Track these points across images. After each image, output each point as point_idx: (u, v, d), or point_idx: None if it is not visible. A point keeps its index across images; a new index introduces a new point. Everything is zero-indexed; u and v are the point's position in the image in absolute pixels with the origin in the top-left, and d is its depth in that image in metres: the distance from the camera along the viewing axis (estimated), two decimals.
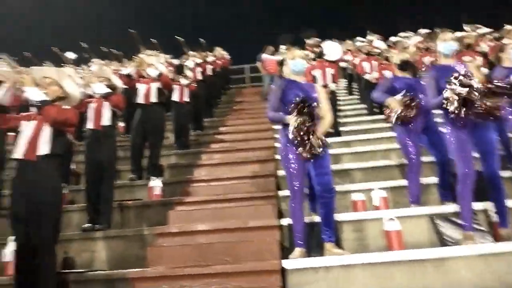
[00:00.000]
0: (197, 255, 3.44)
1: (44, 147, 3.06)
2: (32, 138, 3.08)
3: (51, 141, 3.08)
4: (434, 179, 4.08)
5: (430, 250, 3.17)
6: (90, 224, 4.07)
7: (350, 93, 9.76)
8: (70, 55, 7.95)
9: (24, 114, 3.24)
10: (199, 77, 8.25)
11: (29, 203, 2.99)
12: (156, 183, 4.76)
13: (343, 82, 10.20)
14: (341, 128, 6.66)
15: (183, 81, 6.85)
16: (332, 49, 7.01)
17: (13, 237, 3.30)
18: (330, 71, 6.47)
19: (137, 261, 3.69)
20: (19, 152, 3.09)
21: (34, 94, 3.06)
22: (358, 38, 9.54)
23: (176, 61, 8.66)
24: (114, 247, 3.91)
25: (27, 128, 3.12)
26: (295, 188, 3.32)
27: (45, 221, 2.97)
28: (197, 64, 8.41)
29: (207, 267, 3.15)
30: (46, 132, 3.09)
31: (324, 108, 3.46)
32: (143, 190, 4.99)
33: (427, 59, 6.64)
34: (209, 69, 9.03)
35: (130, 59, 8.35)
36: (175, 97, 6.69)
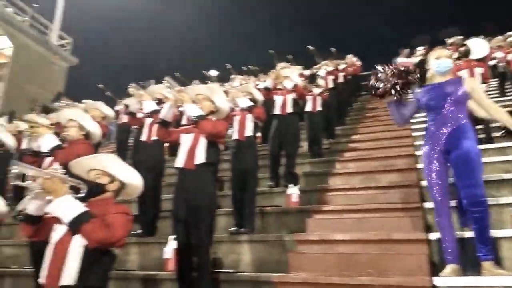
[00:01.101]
0: (339, 264, 3.42)
1: (200, 157, 3.41)
2: (190, 149, 3.45)
3: (206, 151, 3.43)
4: None
5: None
6: (236, 228, 4.36)
7: (503, 94, 8.67)
8: (213, 73, 8.72)
9: (183, 127, 3.67)
10: (331, 85, 8.25)
11: (189, 207, 3.34)
12: (293, 191, 4.89)
13: (493, 82, 9.12)
14: (494, 134, 5.95)
15: (316, 90, 6.96)
16: (479, 46, 6.34)
17: (173, 236, 3.73)
18: (478, 70, 5.85)
19: (278, 265, 3.82)
20: (180, 161, 3.49)
21: (192, 109, 3.44)
22: (510, 33, 8.46)
23: (307, 72, 8.86)
24: (257, 251, 4.10)
25: (186, 140, 3.52)
26: (438, 200, 3.09)
27: (202, 223, 3.30)
28: (329, 72, 8.43)
29: (352, 278, 3.11)
30: (202, 143, 3.44)
31: (486, 104, 3.16)
32: (280, 197, 5.15)
33: None
34: (340, 76, 8.98)
35: (266, 73, 8.82)
36: (308, 106, 6.84)
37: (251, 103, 4.75)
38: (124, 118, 8.63)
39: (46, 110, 7.37)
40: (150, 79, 6.90)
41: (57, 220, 2.27)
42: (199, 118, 3.41)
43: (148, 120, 4.93)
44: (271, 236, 4.17)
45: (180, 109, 4.67)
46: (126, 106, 6.79)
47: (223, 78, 9.00)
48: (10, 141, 4.69)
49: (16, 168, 2.16)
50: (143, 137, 4.98)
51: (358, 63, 10.94)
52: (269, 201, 5.25)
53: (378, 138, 7.09)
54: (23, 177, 2.30)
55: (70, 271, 2.17)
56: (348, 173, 5.56)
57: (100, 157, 2.52)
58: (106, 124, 6.21)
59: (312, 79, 7.11)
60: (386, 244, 3.50)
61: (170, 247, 3.78)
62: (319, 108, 6.87)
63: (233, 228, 4.38)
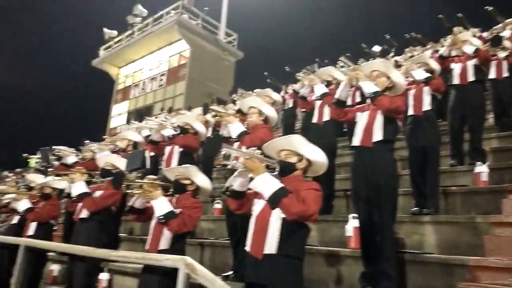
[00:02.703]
0: None
1: (378, 134, 3.34)
2: (367, 127, 3.41)
3: (383, 128, 3.34)
4: None
5: None
6: (417, 208, 4.16)
7: None
8: (376, 48, 8.39)
9: (358, 106, 3.65)
10: None
11: (368, 185, 3.32)
12: (482, 169, 4.39)
13: None
14: None
15: (501, 54, 6.08)
16: None
17: (353, 215, 3.77)
18: None
19: (468, 248, 3.51)
20: (356, 139, 3.49)
21: (368, 86, 3.39)
22: None
23: (485, 34, 7.79)
24: (443, 232, 3.83)
25: (362, 118, 3.49)
26: None
27: (383, 202, 3.24)
28: None
29: None
30: (379, 120, 3.36)
31: None
32: (465, 176, 4.72)
33: None
34: None
35: (436, 41, 8.09)
36: (493, 73, 6.04)
37: (428, 75, 4.41)
38: (290, 103, 9.05)
39: (221, 102, 8.23)
40: (314, 63, 7.02)
41: (258, 195, 2.54)
42: (376, 94, 3.34)
43: (318, 103, 5.04)
44: (460, 218, 3.84)
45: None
46: (295, 92, 7.07)
47: (387, 52, 8.56)
48: (202, 129, 5.42)
49: (225, 150, 2.49)
50: (314, 119, 5.11)
51: None
52: (452, 180, 4.85)
53: None
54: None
55: (272, 241, 2.41)
56: None
57: (290, 138, 2.69)
58: (277, 109, 6.59)
59: (495, 41, 6.20)
60: None
61: (351, 225, 3.82)
62: (505, 74, 6.01)
63: (415, 209, 4.19)
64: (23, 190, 5.68)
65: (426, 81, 4.36)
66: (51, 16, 35.29)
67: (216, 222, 5.76)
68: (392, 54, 9.01)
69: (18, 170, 16.18)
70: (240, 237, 3.98)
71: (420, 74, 4.41)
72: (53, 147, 6.91)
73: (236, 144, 4.16)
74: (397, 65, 5.46)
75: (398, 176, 3.48)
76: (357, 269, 3.52)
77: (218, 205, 5.94)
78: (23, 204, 5.05)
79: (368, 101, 3.49)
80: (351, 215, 3.86)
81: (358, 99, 5.77)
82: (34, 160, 11.18)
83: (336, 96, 3.60)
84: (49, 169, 5.81)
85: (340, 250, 3.90)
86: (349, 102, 5.22)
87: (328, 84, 4.97)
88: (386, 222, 3.26)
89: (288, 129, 8.60)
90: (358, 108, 3.62)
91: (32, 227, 4.86)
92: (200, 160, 6.63)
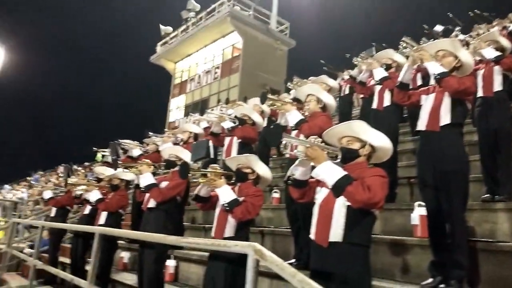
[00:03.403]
0: None
1: (445, 117, 3.17)
2: (433, 110, 3.24)
3: (451, 111, 3.16)
4: None
5: None
6: (489, 195, 3.93)
7: None
8: (439, 28, 7.96)
9: (423, 88, 3.48)
10: None
11: (436, 172, 3.16)
12: None
13: None
14: None
15: None
16: None
17: (419, 203, 3.63)
18: None
19: None
20: (422, 124, 3.33)
21: (434, 67, 3.21)
22: None
23: None
24: None
25: (427, 101, 3.32)
26: None
27: (454, 189, 3.08)
28: None
29: None
30: (446, 103, 3.18)
31: None
32: None
33: None
34: None
35: (503, 18, 7.53)
36: None
37: (498, 53, 4.11)
38: (347, 90, 8.83)
39: (275, 92, 8.17)
40: (371, 47, 6.74)
41: (320, 183, 2.51)
42: (442, 75, 3.15)
43: (378, 88, 4.88)
44: None
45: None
46: (352, 78, 6.90)
47: (450, 32, 8.09)
48: (260, 120, 5.45)
49: (285, 139, 2.49)
50: (374, 105, 4.96)
51: None
52: None
53: None
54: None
55: (337, 229, 2.38)
56: None
57: (351, 124, 2.63)
58: (333, 96, 6.46)
59: None
60: None
61: (417, 214, 3.68)
62: None
63: (486, 195, 3.95)
64: (93, 182, 6.06)
65: (497, 60, 4.07)
66: (114, 19, 37.31)
67: (275, 211, 5.80)
68: (455, 33, 8.53)
69: (86, 164, 17.31)
70: (301, 225, 3.98)
71: (490, 53, 4.11)
72: (120, 140, 7.27)
73: (294, 133, 4.15)
74: (462, 45, 5.12)
75: (468, 162, 3.28)
76: (425, 258, 3.39)
77: (276, 194, 5.97)
78: (94, 195, 5.38)
79: (433, 82, 3.32)
80: (416, 203, 3.72)
81: (419, 82, 5.52)
82: (100, 154, 11.85)
83: (399, 78, 3.46)
84: (119, 162, 6.13)
85: (406, 238, 3.77)
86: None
87: (387, 67, 4.80)
88: (456, 210, 3.09)
89: (345, 116, 8.38)
90: (423, 90, 3.45)
91: (103, 217, 5.18)
92: (257, 150, 6.69)
